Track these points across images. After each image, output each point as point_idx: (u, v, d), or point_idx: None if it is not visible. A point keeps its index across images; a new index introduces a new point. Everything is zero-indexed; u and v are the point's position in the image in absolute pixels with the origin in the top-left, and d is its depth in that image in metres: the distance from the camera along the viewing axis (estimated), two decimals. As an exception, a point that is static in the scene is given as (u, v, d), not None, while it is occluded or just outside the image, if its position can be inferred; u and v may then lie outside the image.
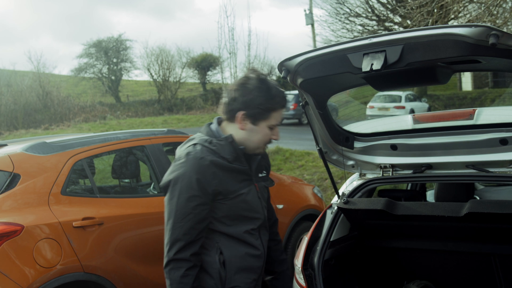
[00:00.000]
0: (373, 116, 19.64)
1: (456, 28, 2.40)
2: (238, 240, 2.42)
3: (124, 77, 39.82)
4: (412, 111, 22.42)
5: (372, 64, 2.58)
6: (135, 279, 4.41)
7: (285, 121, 27.33)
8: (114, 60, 38.12)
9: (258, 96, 2.34)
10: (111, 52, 37.57)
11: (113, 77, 38.02)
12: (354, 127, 3.62)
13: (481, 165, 3.21)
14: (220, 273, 2.40)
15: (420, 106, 24.21)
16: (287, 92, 29.76)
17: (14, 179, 4.08)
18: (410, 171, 3.47)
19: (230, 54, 12.54)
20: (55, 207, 4.12)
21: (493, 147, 3.13)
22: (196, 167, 2.29)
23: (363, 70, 2.61)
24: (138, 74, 51.77)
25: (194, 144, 2.38)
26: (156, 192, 5.14)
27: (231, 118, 2.41)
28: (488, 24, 2.35)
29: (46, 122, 26.87)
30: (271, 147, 14.90)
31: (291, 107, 26.51)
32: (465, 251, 3.39)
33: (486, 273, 3.35)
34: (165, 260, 2.35)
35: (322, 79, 2.97)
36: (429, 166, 3.39)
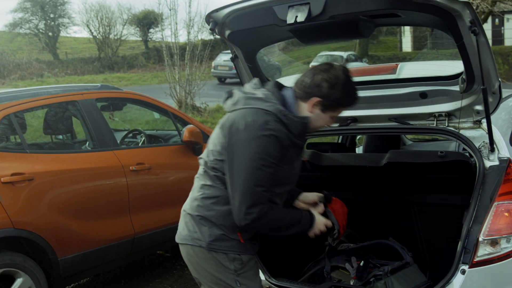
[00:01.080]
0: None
1: (376, -19, 2.47)
2: (272, 199, 2.51)
3: (62, 34, 38.35)
4: (353, 71, 22.77)
5: (296, 16, 2.61)
6: (67, 234, 4.39)
7: (228, 80, 27.25)
8: (51, 16, 36.55)
9: (340, 93, 2.44)
10: (47, 6, 35.95)
11: (50, 33, 36.51)
12: (283, 81, 3.67)
13: (403, 117, 3.34)
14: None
15: (361, 66, 24.63)
16: (229, 51, 29.65)
17: None
18: (337, 125, 3.57)
19: (170, 10, 12.30)
20: (-18, 162, 4.02)
21: (414, 101, 3.26)
22: (272, 140, 2.34)
23: (288, 22, 2.64)
24: (77, 30, 50.09)
25: (267, 112, 2.36)
26: (89, 148, 5.07)
27: (304, 98, 2.48)
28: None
29: (-22, 79, 25.77)
30: (211, 105, 14.89)
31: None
32: (386, 201, 3.56)
33: (406, 221, 3.54)
34: (250, 219, 2.37)
35: (250, 32, 2.99)
36: (355, 119, 3.50)
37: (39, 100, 4.66)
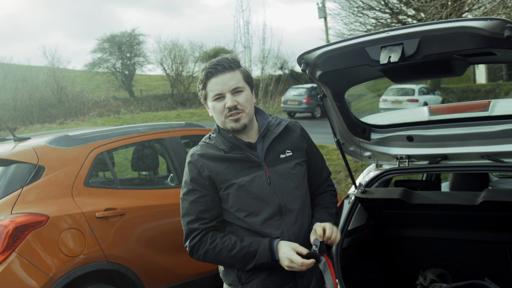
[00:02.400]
0: (386, 109, 19.63)
1: (472, 21, 2.47)
2: (255, 233, 2.35)
3: (138, 72, 39.99)
4: (425, 104, 22.32)
5: (390, 57, 2.65)
6: (155, 268, 4.54)
7: (298, 115, 27.37)
8: (128, 55, 38.30)
9: (198, 80, 2.43)
10: (124, 47, 37.74)
11: (126, 72, 38.21)
12: (371, 119, 3.69)
13: (496, 155, 3.27)
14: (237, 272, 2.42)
15: (434, 99, 24.10)
16: (298, 86, 29.43)
17: (39, 171, 4.20)
18: (426, 162, 3.54)
19: (245, 48, 12.61)
20: (78, 198, 4.24)
21: (508, 138, 3.19)
22: (188, 166, 2.40)
23: (381, 62, 2.68)
24: (151, 68, 51.87)
25: (194, 148, 2.48)
26: (173, 184, 5.24)
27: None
28: (503, 17, 2.41)
29: (61, 116, 27.11)
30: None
31: (304, 100, 26.50)
32: (479, 240, 3.46)
33: (500, 261, 3.42)
34: (188, 251, 2.41)
35: (340, 72, 3.05)
36: (445, 156, 3.45)
37: (129, 138, 4.89)
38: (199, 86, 2.42)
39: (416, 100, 23.20)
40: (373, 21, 22.97)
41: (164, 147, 5.18)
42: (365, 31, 22.35)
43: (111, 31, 57.69)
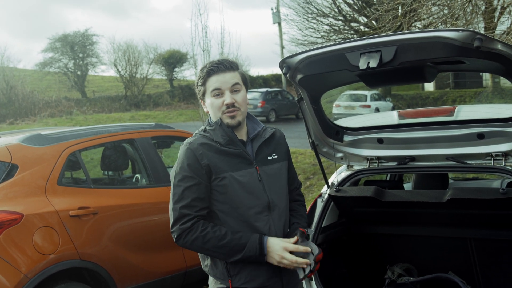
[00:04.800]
0: (339, 115, 20.03)
1: (445, 32, 2.69)
2: (246, 224, 2.46)
3: (90, 72, 39.28)
4: (377, 110, 22.96)
5: (368, 63, 2.84)
6: (126, 266, 4.58)
7: (254, 119, 27.47)
8: (80, 55, 37.54)
9: (197, 78, 2.57)
10: (77, 46, 36.99)
11: (79, 72, 37.42)
12: (344, 122, 3.89)
13: (460, 157, 3.51)
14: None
15: (385, 105, 24.78)
16: (253, 90, 29.44)
17: (12, 169, 4.19)
18: (395, 163, 3.75)
19: (203, 51, 12.67)
20: (51, 196, 4.25)
21: (471, 141, 3.43)
22: (187, 153, 2.46)
23: (361, 67, 2.86)
24: (104, 69, 51.03)
25: (191, 137, 2.57)
26: (145, 183, 5.30)
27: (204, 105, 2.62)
28: (474, 29, 2.64)
29: (10, 116, 26.36)
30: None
31: (259, 104, 26.70)
32: (444, 236, 3.70)
33: (463, 256, 3.66)
34: (174, 236, 2.46)
35: (320, 76, 3.22)
36: (413, 158, 3.67)
37: (101, 138, 4.93)
38: (198, 82, 2.55)
39: (369, 106, 23.81)
40: (327, 27, 23.46)
41: (135, 148, 5.23)
42: (319, 37, 22.80)
43: (63, 31, 56.28)
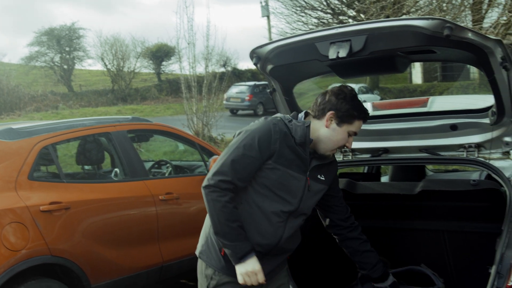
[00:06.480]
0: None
1: (415, 21, 2.64)
2: (264, 214, 2.59)
3: (77, 66, 39.01)
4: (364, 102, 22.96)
5: (338, 52, 2.77)
6: (100, 262, 4.50)
7: (240, 112, 27.52)
8: (67, 49, 37.24)
9: (349, 104, 2.67)
10: (63, 40, 36.67)
11: (65, 66, 37.14)
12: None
13: (433, 149, 3.47)
14: None
15: (372, 98, 24.87)
16: (241, 83, 29.47)
17: (-20, 163, 4.09)
18: (369, 155, 3.70)
19: (188, 44, 12.59)
20: (22, 191, 4.16)
21: (444, 132, 3.40)
22: (265, 129, 2.54)
23: (330, 57, 2.80)
24: (91, 63, 50.69)
25: (277, 117, 2.64)
26: (120, 178, 5.21)
27: (319, 116, 2.69)
28: (444, 18, 2.58)
29: (-5, 111, 26.17)
30: (228, 136, 15.06)
31: (247, 98, 26.67)
32: (417, 228, 3.66)
33: (437, 248, 3.63)
34: (205, 183, 2.52)
35: (290, 67, 3.15)
36: (386, 150, 3.63)
37: (75, 132, 4.83)
38: (353, 111, 2.69)
39: (356, 99, 23.81)
40: (315, 20, 23.38)
41: (111, 141, 5.13)
42: (307, 30, 22.72)
43: (49, 24, 55.70)
